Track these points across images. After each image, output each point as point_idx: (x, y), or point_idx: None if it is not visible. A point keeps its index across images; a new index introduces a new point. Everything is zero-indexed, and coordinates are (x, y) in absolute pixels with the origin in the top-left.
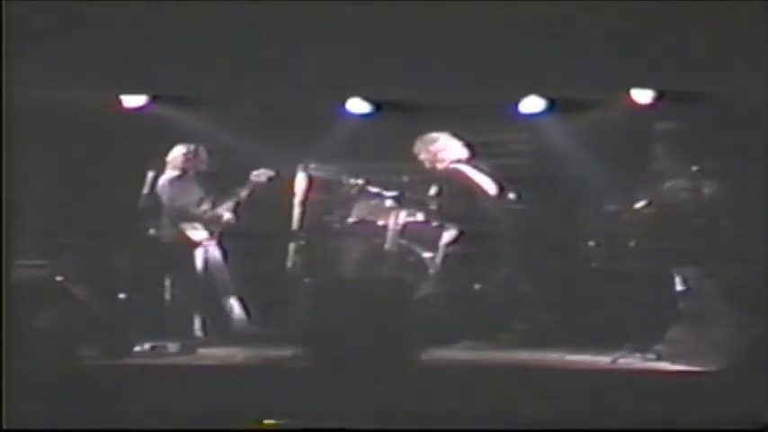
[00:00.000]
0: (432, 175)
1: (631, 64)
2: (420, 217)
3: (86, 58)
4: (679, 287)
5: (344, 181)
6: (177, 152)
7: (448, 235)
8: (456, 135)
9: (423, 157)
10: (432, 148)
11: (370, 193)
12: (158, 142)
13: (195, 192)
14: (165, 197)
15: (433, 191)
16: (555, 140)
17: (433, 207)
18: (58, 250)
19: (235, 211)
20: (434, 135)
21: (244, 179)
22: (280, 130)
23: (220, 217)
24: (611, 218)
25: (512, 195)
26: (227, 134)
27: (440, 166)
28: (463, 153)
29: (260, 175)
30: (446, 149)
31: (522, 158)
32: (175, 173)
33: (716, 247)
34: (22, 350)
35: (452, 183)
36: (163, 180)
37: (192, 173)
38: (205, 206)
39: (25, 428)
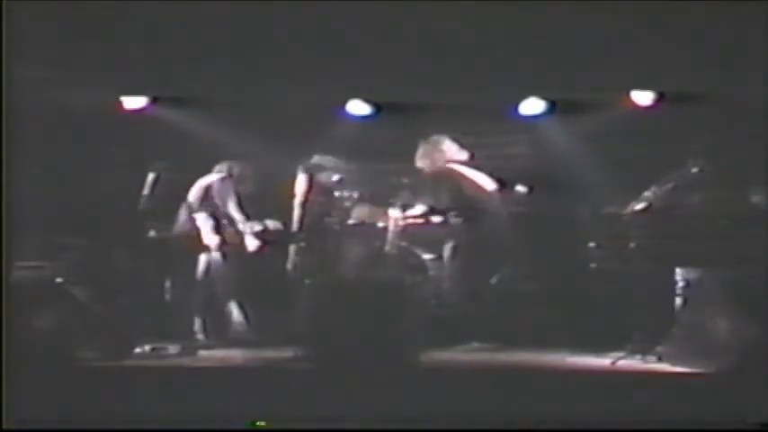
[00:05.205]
0: (431, 177)
1: (631, 65)
2: (420, 219)
3: (86, 60)
4: (679, 289)
5: (341, 193)
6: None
7: (448, 236)
8: (455, 138)
9: (426, 160)
10: (438, 150)
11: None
12: (158, 144)
13: (233, 199)
14: (214, 189)
15: (433, 192)
16: (555, 142)
17: (434, 208)
18: (58, 251)
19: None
20: (439, 137)
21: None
22: (280, 132)
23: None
24: (612, 219)
25: (522, 188)
26: (228, 136)
27: (439, 168)
28: (462, 155)
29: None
30: (449, 152)
31: (523, 160)
32: (225, 175)
33: (716, 249)
34: (22, 350)
35: (452, 184)
36: (217, 177)
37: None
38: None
39: (25, 428)
